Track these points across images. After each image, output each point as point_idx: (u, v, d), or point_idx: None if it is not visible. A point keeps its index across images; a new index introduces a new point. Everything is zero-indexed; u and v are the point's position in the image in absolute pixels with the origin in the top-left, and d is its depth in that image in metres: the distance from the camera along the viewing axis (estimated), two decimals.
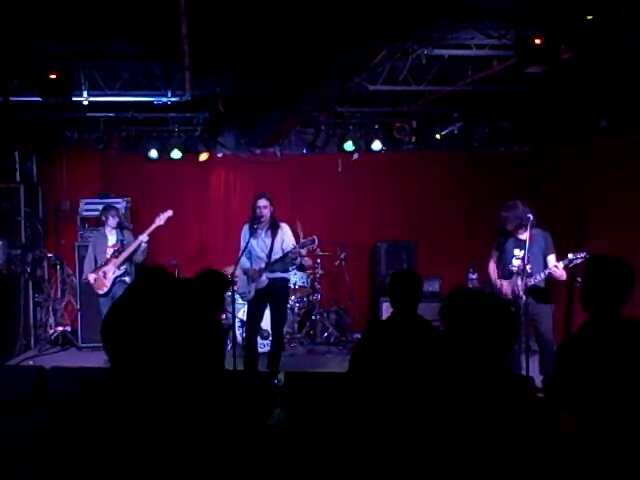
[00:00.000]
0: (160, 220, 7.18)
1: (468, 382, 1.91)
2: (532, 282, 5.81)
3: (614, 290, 2.79)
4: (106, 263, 7.23)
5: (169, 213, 7.21)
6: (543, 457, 1.75)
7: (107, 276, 7.20)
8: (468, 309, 1.99)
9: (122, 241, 7.29)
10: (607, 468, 2.46)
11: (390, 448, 1.95)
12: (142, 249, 7.22)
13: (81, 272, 7.76)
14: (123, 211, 8.42)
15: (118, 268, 7.21)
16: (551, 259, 5.90)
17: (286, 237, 6.54)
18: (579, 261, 5.64)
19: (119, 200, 8.50)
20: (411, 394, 2.01)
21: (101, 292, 7.24)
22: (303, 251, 6.86)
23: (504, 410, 1.82)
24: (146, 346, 1.36)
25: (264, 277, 6.42)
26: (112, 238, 7.35)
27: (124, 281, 7.21)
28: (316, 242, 6.57)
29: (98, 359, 7.39)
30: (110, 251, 7.26)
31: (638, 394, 2.63)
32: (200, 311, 1.44)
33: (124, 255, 7.18)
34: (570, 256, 5.68)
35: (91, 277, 7.27)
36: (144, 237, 7.12)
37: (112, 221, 7.32)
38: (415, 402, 1.97)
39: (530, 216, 5.85)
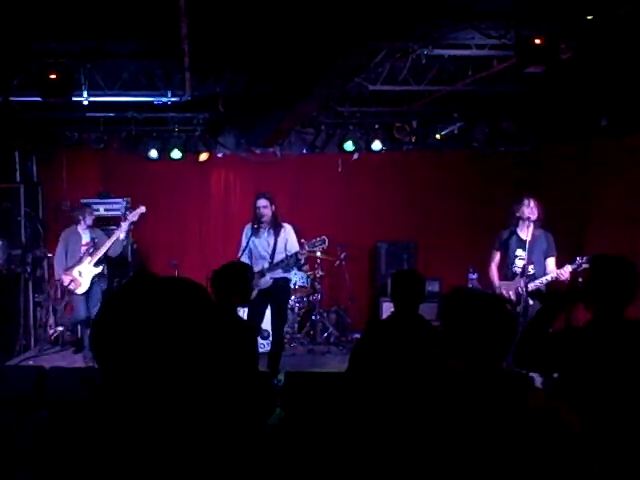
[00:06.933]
0: (133, 216, 7.26)
1: (468, 382, 1.91)
2: (535, 286, 5.77)
3: (618, 290, 2.76)
4: (79, 261, 7.21)
5: (142, 209, 7.27)
6: (546, 456, 1.75)
7: (83, 275, 7.18)
8: (466, 308, 1.99)
9: (94, 239, 7.31)
10: (610, 468, 2.46)
11: (389, 448, 1.95)
12: (120, 240, 7.20)
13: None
14: (123, 211, 8.42)
15: (95, 266, 7.21)
16: (550, 262, 5.87)
17: (289, 238, 6.52)
18: (587, 265, 5.59)
19: (119, 200, 8.50)
20: (410, 394, 2.00)
21: (79, 292, 7.20)
22: (317, 251, 6.88)
23: (505, 410, 1.82)
24: (138, 348, 1.36)
25: (268, 277, 6.41)
26: (85, 236, 7.35)
27: (103, 279, 7.33)
28: (326, 242, 6.57)
29: None
30: (83, 249, 7.25)
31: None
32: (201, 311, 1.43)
33: (98, 254, 7.19)
34: (578, 260, 5.63)
35: (66, 279, 7.17)
36: (122, 234, 7.15)
37: (89, 219, 7.32)
38: (415, 402, 1.96)
39: (531, 216, 5.85)
